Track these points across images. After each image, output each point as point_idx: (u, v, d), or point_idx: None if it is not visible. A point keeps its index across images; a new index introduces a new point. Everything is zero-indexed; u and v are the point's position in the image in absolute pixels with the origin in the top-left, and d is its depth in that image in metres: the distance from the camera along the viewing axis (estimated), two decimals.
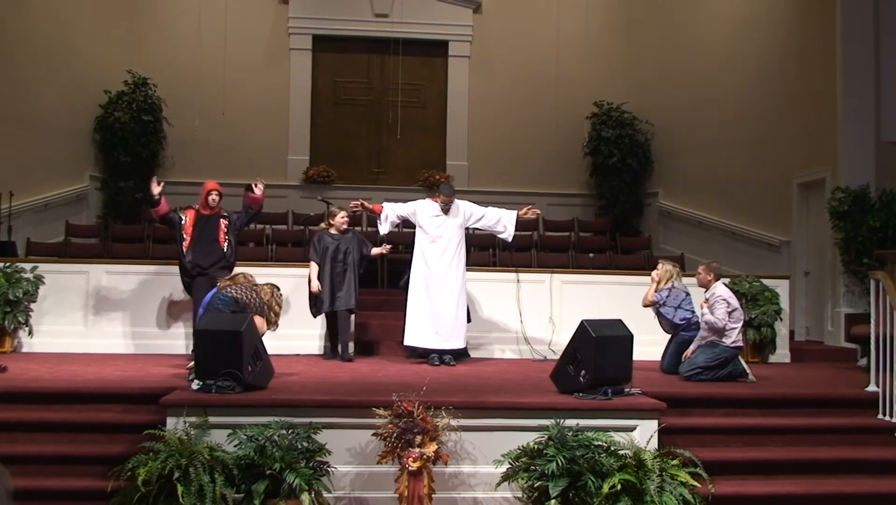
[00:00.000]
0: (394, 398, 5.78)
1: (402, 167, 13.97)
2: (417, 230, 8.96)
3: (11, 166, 11.63)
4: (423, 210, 8.93)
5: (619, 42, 14.10)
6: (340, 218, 9.11)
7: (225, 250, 8.37)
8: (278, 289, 7.37)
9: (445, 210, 8.86)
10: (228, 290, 7.12)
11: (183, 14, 13.48)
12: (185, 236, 8.32)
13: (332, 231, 9.09)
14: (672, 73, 13.48)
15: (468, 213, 8.95)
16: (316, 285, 8.84)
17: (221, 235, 8.38)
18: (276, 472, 5.38)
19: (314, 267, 8.90)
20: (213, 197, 8.44)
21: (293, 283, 9.19)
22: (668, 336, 8.46)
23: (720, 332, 7.79)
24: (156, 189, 8.28)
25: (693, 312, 8.31)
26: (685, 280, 8.68)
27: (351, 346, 9.07)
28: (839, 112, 10.62)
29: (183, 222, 8.36)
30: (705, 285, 8.12)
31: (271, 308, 7.16)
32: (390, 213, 8.98)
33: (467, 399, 6.16)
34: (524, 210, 8.99)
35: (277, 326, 7.29)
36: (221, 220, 8.44)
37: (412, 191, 12.65)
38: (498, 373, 8.07)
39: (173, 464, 5.30)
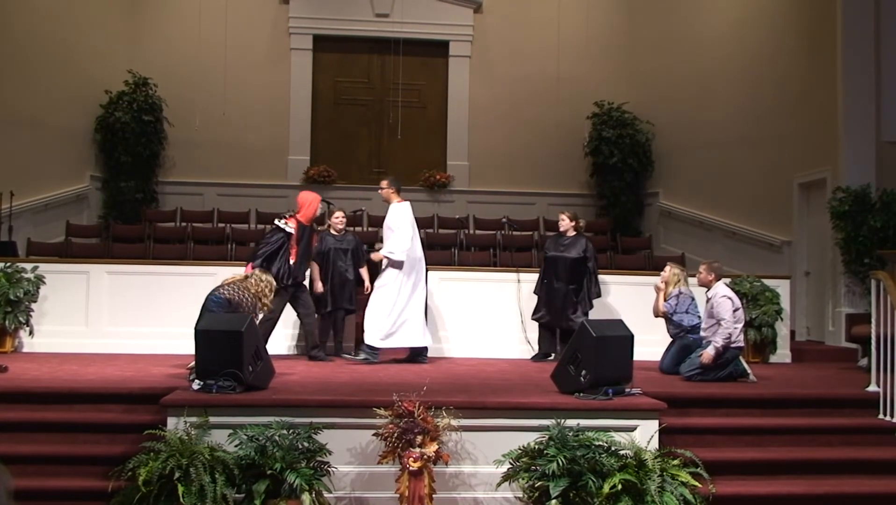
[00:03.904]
0: (394, 398, 5.78)
1: (402, 167, 13.90)
2: None
3: (12, 166, 11.63)
4: None
5: (619, 42, 14.10)
6: (336, 219, 9.12)
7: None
8: (266, 276, 7.38)
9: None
10: (221, 291, 7.08)
11: (183, 14, 13.48)
12: (292, 248, 8.50)
13: (332, 231, 9.10)
14: (672, 73, 13.48)
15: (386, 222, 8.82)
16: (319, 286, 8.83)
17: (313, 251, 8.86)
18: (277, 472, 5.38)
19: (315, 267, 8.89)
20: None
21: None
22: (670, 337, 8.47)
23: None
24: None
25: (699, 316, 8.29)
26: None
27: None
28: (840, 112, 10.61)
29: (291, 235, 8.52)
30: (706, 285, 8.13)
31: (261, 299, 7.17)
32: None
33: (468, 399, 6.17)
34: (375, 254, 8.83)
35: (267, 308, 7.34)
36: (315, 234, 8.80)
37: (412, 191, 12.63)
38: (498, 373, 8.06)
39: (174, 464, 5.31)
